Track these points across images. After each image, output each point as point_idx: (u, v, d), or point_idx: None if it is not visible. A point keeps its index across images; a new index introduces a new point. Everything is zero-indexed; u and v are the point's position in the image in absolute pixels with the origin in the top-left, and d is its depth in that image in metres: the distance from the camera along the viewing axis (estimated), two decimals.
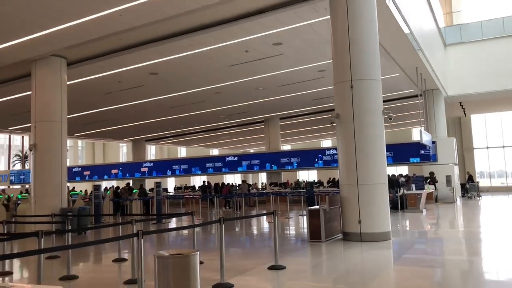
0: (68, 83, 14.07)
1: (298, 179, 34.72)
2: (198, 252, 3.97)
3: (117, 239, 4.60)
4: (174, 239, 11.32)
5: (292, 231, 12.48)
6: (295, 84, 18.14)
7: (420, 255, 8.07)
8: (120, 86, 16.53)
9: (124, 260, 7.91)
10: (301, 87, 18.66)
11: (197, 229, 12.40)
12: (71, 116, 20.75)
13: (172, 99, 19.32)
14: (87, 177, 31.42)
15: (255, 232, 12.74)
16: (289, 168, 24.70)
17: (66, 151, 13.58)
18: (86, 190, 28.96)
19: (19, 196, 16.24)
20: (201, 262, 7.22)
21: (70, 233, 6.53)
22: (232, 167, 26.07)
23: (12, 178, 31.93)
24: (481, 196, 23.41)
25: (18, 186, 30.83)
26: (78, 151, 47.76)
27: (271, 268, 6.68)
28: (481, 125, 31.94)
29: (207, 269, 6.82)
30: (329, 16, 10.22)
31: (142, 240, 4.45)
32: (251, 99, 20.73)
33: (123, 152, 47.82)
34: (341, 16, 9.60)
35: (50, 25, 10.66)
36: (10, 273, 7.27)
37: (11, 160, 41.19)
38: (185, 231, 12.45)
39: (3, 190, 23.42)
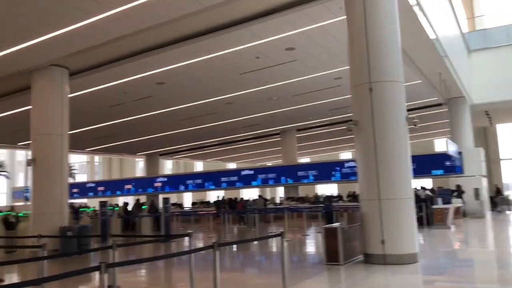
0: (71, 95, 13.42)
1: (316, 193, 33.47)
2: None
3: (74, 274, 3.67)
4: (178, 261, 10.28)
5: (308, 250, 11.44)
6: (310, 93, 17.19)
7: (455, 283, 6.93)
8: (126, 97, 15.83)
9: None
10: (317, 96, 17.70)
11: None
12: (79, 130, 20.29)
13: (182, 110, 18.56)
14: (100, 193, 30.83)
15: (266, 252, 11.70)
16: (305, 181, 23.60)
17: (67, 166, 12.88)
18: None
19: (21, 214, 15.52)
20: None
21: (45, 260, 5.66)
22: (246, 181, 25.08)
23: (27, 194, 31.59)
24: (511, 210, 21.94)
25: None
26: (95, 167, 47.44)
27: None
28: (508, 135, 30.37)
29: None
30: (344, 17, 9.31)
31: (106, 274, 3.56)
32: (266, 109, 19.83)
33: (139, 167, 47.28)
34: (358, 13, 8.65)
35: (45, 32, 10.02)
36: None
37: (29, 176, 41.06)
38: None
39: (12, 207, 22.86)
